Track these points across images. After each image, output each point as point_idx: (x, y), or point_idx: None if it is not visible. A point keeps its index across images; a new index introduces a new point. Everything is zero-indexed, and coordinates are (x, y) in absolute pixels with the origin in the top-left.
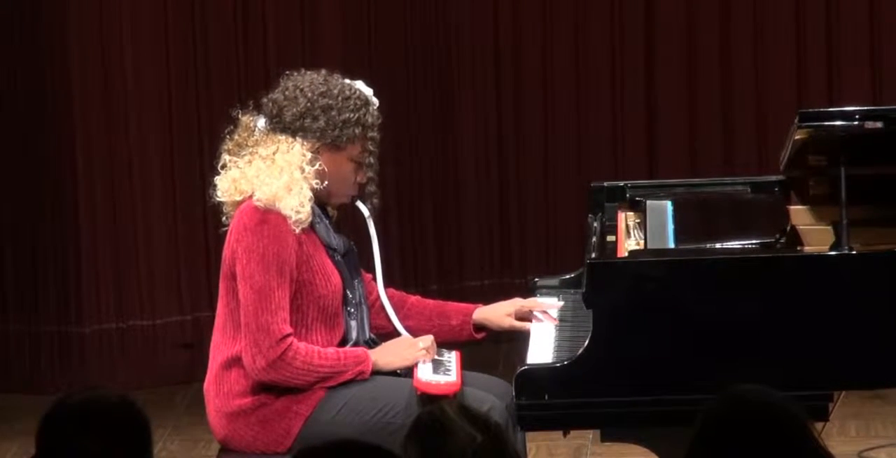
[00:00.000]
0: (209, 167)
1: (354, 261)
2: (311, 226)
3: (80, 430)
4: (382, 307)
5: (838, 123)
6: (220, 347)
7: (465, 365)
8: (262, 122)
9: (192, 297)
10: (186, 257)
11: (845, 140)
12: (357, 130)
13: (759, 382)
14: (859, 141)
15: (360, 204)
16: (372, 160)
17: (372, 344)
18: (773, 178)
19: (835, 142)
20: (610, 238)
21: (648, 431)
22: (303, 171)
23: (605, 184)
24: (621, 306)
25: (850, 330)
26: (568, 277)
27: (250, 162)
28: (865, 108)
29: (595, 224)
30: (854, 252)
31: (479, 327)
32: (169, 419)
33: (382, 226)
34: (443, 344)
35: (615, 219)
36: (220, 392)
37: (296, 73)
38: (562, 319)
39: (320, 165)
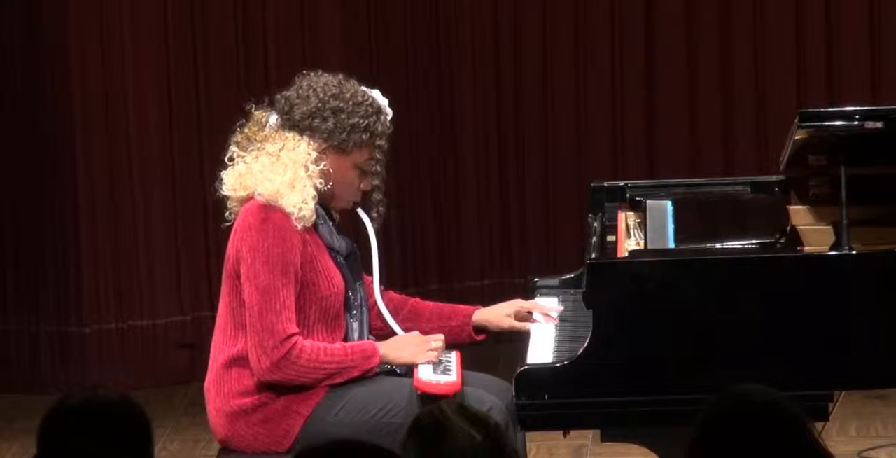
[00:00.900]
0: (209, 167)
1: (357, 263)
2: (315, 227)
3: (81, 430)
4: (380, 311)
5: (838, 123)
6: (221, 346)
7: (465, 365)
8: (273, 118)
9: (192, 297)
10: (186, 257)
11: (845, 140)
12: (365, 137)
13: (759, 382)
14: (859, 141)
15: (360, 212)
16: (378, 168)
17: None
18: (773, 178)
19: (835, 142)
20: (610, 238)
21: (648, 431)
22: (307, 169)
23: (605, 184)
24: (621, 306)
25: (850, 330)
26: (568, 277)
27: (257, 158)
28: (865, 108)
29: (595, 224)
30: (854, 252)
31: (479, 329)
32: (169, 419)
33: (382, 226)
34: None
35: (615, 219)
36: (220, 392)
37: (312, 74)
38: (562, 319)
39: (325, 166)
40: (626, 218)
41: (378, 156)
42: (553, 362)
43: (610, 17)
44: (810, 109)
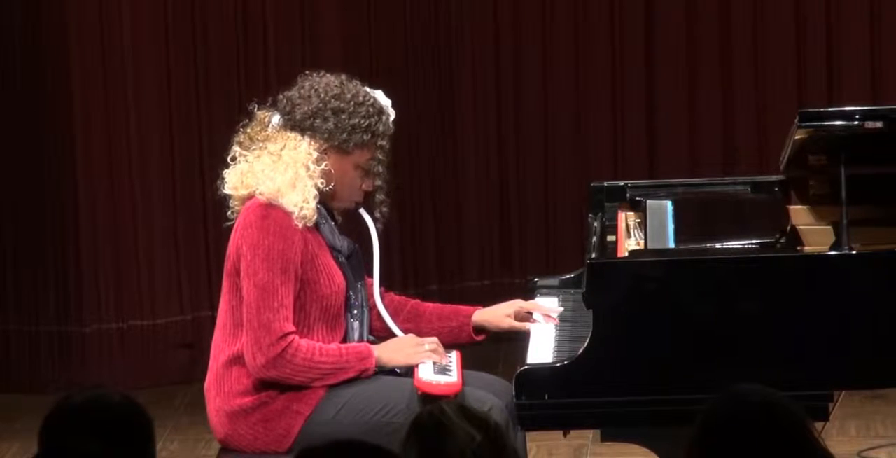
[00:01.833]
0: (209, 167)
1: (359, 264)
2: (317, 226)
3: (82, 430)
4: (380, 313)
5: (838, 122)
6: (221, 345)
7: (466, 365)
8: (276, 118)
9: (192, 297)
10: (186, 257)
11: (845, 140)
12: (366, 137)
13: (759, 382)
14: (859, 141)
15: (363, 213)
16: (381, 169)
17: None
18: (773, 178)
19: (835, 142)
20: (610, 238)
21: (648, 431)
22: (308, 169)
23: (605, 184)
24: (621, 306)
25: (850, 330)
26: (568, 277)
27: (259, 157)
28: (865, 108)
29: (595, 224)
30: (854, 252)
31: (479, 330)
32: (169, 419)
33: (383, 224)
34: (443, 346)
35: (615, 219)
36: (221, 391)
37: (315, 74)
38: (562, 319)
39: (326, 166)
40: (626, 218)
41: (380, 156)
42: (553, 362)
43: (610, 17)
44: (810, 109)
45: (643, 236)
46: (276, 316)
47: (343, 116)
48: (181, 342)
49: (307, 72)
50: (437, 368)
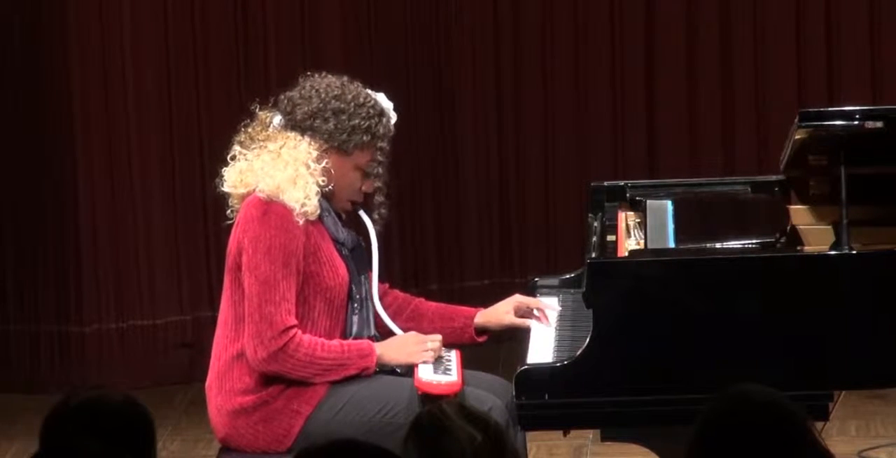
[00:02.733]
0: (209, 167)
1: (362, 257)
2: (320, 218)
3: (83, 430)
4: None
5: (838, 122)
6: (223, 343)
7: (466, 365)
8: (277, 119)
9: (192, 297)
10: (186, 256)
11: (845, 140)
12: (366, 138)
13: (759, 381)
14: (859, 141)
15: (362, 213)
16: (380, 171)
17: (375, 340)
18: (773, 178)
19: (835, 142)
20: (610, 238)
21: (648, 431)
22: (308, 167)
23: (605, 184)
24: (621, 305)
25: (850, 330)
26: (568, 277)
27: (258, 155)
28: (865, 108)
29: (595, 224)
30: (854, 252)
31: (481, 331)
32: (169, 419)
33: (383, 226)
34: (444, 346)
35: (615, 219)
36: (222, 389)
37: (316, 75)
38: (562, 319)
39: (327, 164)
40: (626, 218)
41: (379, 158)
42: (553, 362)
43: (610, 17)
44: (810, 109)
45: (643, 236)
46: (277, 309)
47: (343, 117)
48: (181, 342)
49: (309, 72)
50: (437, 368)
